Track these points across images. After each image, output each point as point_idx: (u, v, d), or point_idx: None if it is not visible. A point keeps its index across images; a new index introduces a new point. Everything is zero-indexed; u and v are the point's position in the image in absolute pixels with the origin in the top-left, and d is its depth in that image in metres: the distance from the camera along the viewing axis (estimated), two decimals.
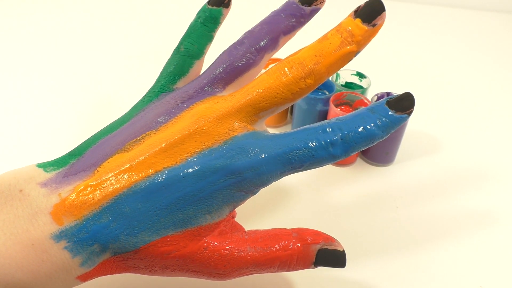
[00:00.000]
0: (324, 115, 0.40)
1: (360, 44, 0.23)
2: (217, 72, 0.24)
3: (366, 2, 0.23)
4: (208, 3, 0.28)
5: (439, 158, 0.42)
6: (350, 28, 0.23)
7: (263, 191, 0.37)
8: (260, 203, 0.36)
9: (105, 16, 0.65)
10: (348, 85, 0.44)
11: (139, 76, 0.52)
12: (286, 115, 0.45)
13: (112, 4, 0.68)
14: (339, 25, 0.23)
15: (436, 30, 0.66)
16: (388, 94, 0.40)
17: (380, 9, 0.23)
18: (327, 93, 0.41)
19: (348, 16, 0.23)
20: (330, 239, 0.23)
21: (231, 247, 0.22)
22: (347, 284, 0.31)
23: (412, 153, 0.42)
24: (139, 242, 0.21)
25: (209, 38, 0.27)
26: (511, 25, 0.68)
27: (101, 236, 0.20)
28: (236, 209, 0.26)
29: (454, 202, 0.37)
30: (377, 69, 0.53)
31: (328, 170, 0.40)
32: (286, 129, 0.45)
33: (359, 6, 0.23)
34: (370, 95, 0.46)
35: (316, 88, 0.42)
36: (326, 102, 0.39)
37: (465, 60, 0.59)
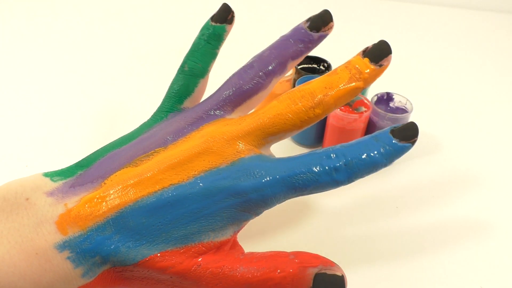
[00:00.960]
0: None
1: (367, 81, 0.24)
2: (227, 94, 0.25)
3: (375, 44, 0.24)
4: (212, 19, 0.28)
5: (439, 158, 0.42)
6: (358, 66, 0.24)
7: None
8: None
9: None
10: None
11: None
12: None
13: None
14: (348, 62, 0.24)
15: (436, 30, 0.66)
16: (388, 94, 0.40)
17: (388, 51, 0.24)
18: None
19: (357, 54, 0.24)
20: (329, 263, 0.22)
21: (224, 266, 0.22)
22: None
23: (412, 153, 0.42)
24: (139, 256, 0.21)
25: (213, 56, 0.28)
26: (511, 25, 0.68)
27: (103, 248, 0.20)
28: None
29: (454, 202, 0.37)
30: None
31: None
32: None
33: (367, 47, 0.24)
34: (370, 95, 0.46)
35: None
36: None
37: (465, 60, 0.59)
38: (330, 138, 0.39)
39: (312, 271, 0.22)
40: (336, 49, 0.59)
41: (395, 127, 0.23)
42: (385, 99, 0.40)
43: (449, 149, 0.43)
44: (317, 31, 0.26)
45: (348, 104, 0.40)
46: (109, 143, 0.25)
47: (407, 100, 0.39)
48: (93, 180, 0.22)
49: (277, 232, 0.34)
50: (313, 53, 0.45)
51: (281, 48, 0.26)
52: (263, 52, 0.26)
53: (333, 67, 0.44)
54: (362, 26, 0.66)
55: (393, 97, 0.40)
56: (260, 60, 0.26)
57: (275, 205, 0.23)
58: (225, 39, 0.28)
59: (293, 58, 0.26)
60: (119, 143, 0.24)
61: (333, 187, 0.22)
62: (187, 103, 0.27)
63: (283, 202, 0.36)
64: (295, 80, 0.43)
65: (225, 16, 0.28)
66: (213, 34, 0.28)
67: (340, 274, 0.22)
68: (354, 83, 0.24)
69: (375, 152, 0.22)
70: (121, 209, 0.21)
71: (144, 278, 0.22)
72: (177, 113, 0.26)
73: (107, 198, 0.21)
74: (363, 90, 0.24)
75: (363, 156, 0.22)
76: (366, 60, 0.24)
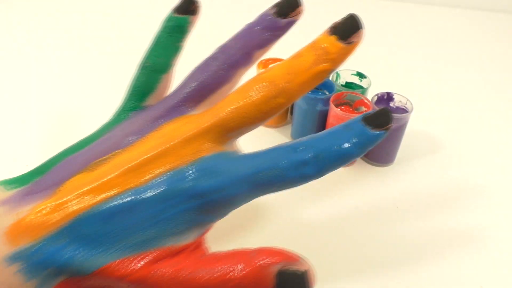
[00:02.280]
0: (324, 115, 0.40)
1: (335, 62, 0.22)
2: (188, 90, 0.23)
3: (343, 19, 0.22)
4: (174, 10, 0.26)
5: (439, 158, 0.42)
6: (325, 45, 0.22)
7: None
8: (257, 201, 0.36)
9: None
10: (348, 85, 0.44)
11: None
12: (286, 115, 0.45)
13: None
14: (314, 41, 0.22)
15: (436, 30, 0.66)
16: (388, 94, 0.40)
17: (357, 26, 0.22)
18: (327, 93, 0.41)
19: (324, 32, 0.22)
20: (293, 258, 0.20)
21: (182, 269, 0.21)
22: (347, 284, 0.31)
23: (412, 153, 0.42)
24: (95, 265, 0.20)
25: (177, 49, 0.26)
26: (511, 25, 0.68)
27: (57, 259, 0.19)
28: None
29: (454, 202, 0.37)
30: (377, 69, 0.53)
31: None
32: (286, 128, 0.45)
33: (335, 22, 0.22)
34: (370, 95, 0.46)
35: (316, 88, 0.42)
36: (326, 102, 0.39)
37: (465, 60, 0.59)
38: None
39: (274, 269, 0.20)
40: None
41: (367, 114, 0.21)
42: (385, 99, 0.40)
43: (449, 149, 0.43)
44: (285, 17, 0.24)
45: (348, 104, 0.40)
46: (68, 147, 0.23)
47: (407, 100, 0.39)
48: (48, 187, 0.21)
49: (272, 230, 0.34)
50: None
51: (246, 37, 0.24)
52: (227, 42, 0.24)
53: None
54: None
55: (393, 97, 0.40)
56: (223, 51, 0.24)
57: (241, 204, 0.22)
58: (190, 31, 0.26)
59: (260, 47, 0.24)
60: (78, 147, 0.23)
61: (303, 182, 0.21)
62: (149, 100, 0.25)
63: (282, 202, 0.36)
64: None
65: (188, 6, 0.26)
66: (176, 26, 0.26)
67: (303, 270, 0.20)
68: (320, 65, 0.21)
69: (346, 143, 0.20)
70: (76, 216, 0.20)
71: (103, 287, 0.21)
72: (139, 112, 0.24)
73: (61, 206, 0.20)
74: (332, 71, 0.22)
75: (334, 148, 0.20)
76: (334, 37, 0.21)
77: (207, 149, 0.22)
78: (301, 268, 0.20)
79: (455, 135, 0.45)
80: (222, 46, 0.24)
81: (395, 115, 0.37)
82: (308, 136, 0.21)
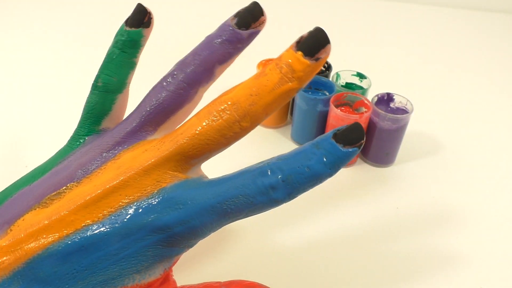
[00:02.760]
0: (324, 116, 0.40)
1: (302, 80, 0.20)
2: (146, 113, 0.22)
3: (309, 33, 0.20)
4: (126, 23, 0.24)
5: (439, 158, 0.42)
6: (290, 62, 0.20)
7: None
8: None
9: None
10: (349, 86, 0.44)
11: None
12: (286, 115, 0.45)
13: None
14: (279, 58, 0.20)
15: (436, 30, 0.66)
16: (388, 94, 0.40)
17: (324, 41, 0.20)
18: (327, 93, 0.41)
19: (289, 48, 0.20)
20: None
21: None
22: (346, 285, 0.31)
23: (412, 154, 0.42)
24: None
25: (131, 66, 0.24)
26: (511, 25, 0.69)
27: None
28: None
29: (454, 202, 0.38)
30: (378, 69, 0.53)
31: None
32: (286, 129, 0.45)
33: (301, 37, 0.20)
34: (371, 95, 0.46)
35: (317, 89, 0.42)
36: (326, 102, 0.39)
37: (465, 60, 0.59)
38: None
39: None
40: (336, 49, 0.59)
41: (338, 130, 0.20)
42: (385, 99, 0.40)
43: (449, 150, 0.43)
44: (247, 28, 0.22)
45: (349, 105, 0.40)
46: (19, 179, 0.22)
47: (408, 100, 0.39)
48: None
49: (270, 230, 0.34)
50: None
51: (205, 52, 0.22)
52: (186, 58, 0.22)
53: (334, 67, 0.44)
54: (362, 26, 0.66)
55: (394, 97, 0.40)
56: (182, 68, 0.22)
57: (209, 234, 0.20)
58: (143, 45, 0.24)
59: (221, 62, 0.22)
60: (30, 178, 0.22)
61: (272, 207, 0.20)
62: (106, 123, 0.24)
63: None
64: None
65: (140, 18, 0.24)
66: (128, 41, 0.24)
67: None
68: (286, 85, 0.20)
69: (317, 162, 0.19)
70: (29, 258, 0.19)
71: None
72: (95, 137, 0.23)
73: (13, 248, 0.19)
74: (299, 90, 0.20)
75: (304, 169, 0.19)
76: (300, 54, 0.20)
77: (169, 179, 0.20)
78: None
79: (455, 135, 0.45)
80: (181, 62, 0.22)
81: (395, 115, 0.37)
82: (277, 157, 0.20)
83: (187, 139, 0.20)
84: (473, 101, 0.51)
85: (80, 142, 0.23)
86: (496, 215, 0.37)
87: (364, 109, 0.39)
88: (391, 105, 0.40)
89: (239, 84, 0.21)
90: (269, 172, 0.19)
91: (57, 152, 0.23)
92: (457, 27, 0.67)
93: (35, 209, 0.20)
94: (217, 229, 0.20)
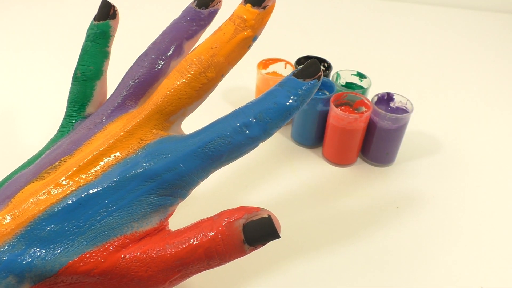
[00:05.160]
0: (324, 116, 0.40)
1: (255, 28, 0.23)
2: (126, 89, 0.24)
3: None
4: (94, 19, 0.27)
5: (439, 158, 0.42)
6: (241, 14, 0.23)
7: (263, 190, 0.37)
8: (258, 202, 0.36)
9: None
10: (349, 85, 0.44)
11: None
12: None
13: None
14: (232, 14, 0.24)
15: (436, 30, 0.66)
16: (388, 94, 0.40)
17: None
18: (327, 93, 0.41)
19: (240, 4, 0.24)
20: (254, 209, 0.22)
21: (149, 250, 0.21)
22: (346, 284, 0.31)
23: (412, 153, 0.42)
24: (56, 266, 0.20)
25: (105, 55, 0.27)
26: (511, 25, 0.69)
27: (15, 266, 0.19)
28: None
29: (454, 202, 0.38)
30: (378, 69, 0.53)
31: (328, 170, 0.40)
32: (286, 129, 0.45)
33: None
34: (371, 95, 0.46)
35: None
36: (326, 102, 0.39)
37: (465, 60, 0.59)
38: (330, 138, 0.39)
39: (239, 223, 0.21)
40: (336, 49, 0.59)
41: (296, 70, 0.23)
42: (385, 99, 0.40)
43: (449, 150, 0.43)
44: (206, 8, 0.25)
45: (349, 105, 0.40)
46: (16, 168, 0.24)
47: (408, 100, 0.39)
48: (0, 202, 0.21)
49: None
50: (313, 53, 0.45)
51: (173, 31, 0.25)
52: (156, 39, 0.26)
53: (334, 67, 0.44)
54: (362, 26, 0.66)
55: (394, 97, 0.40)
56: (154, 47, 0.25)
57: (198, 182, 0.22)
58: (113, 35, 0.27)
59: (188, 38, 0.25)
60: (27, 164, 0.24)
61: (251, 145, 0.22)
62: (90, 109, 0.26)
63: (282, 202, 0.36)
64: None
65: (106, 12, 0.27)
66: (98, 33, 0.27)
67: (267, 215, 0.21)
68: (241, 33, 0.23)
69: (282, 97, 0.22)
70: (30, 222, 0.20)
71: (73, 286, 0.21)
72: (82, 121, 0.25)
73: (14, 215, 0.20)
74: (254, 37, 0.23)
75: (272, 105, 0.22)
76: (248, 6, 0.23)
77: (152, 136, 0.23)
78: (264, 214, 0.21)
79: (455, 135, 0.45)
80: (153, 42, 0.25)
81: (395, 115, 0.37)
82: (247, 102, 0.23)
83: (162, 98, 0.23)
84: (473, 101, 0.51)
85: (69, 128, 0.25)
86: (496, 215, 0.37)
87: (364, 109, 0.39)
88: (391, 104, 0.40)
89: (200, 43, 0.24)
90: (241, 114, 0.22)
91: (49, 141, 0.25)
92: (457, 27, 0.67)
93: (33, 182, 0.22)
94: (205, 176, 0.22)
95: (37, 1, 0.67)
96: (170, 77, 0.23)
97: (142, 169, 0.21)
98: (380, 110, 0.37)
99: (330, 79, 0.43)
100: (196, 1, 0.26)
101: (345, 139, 0.38)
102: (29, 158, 0.24)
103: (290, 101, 0.22)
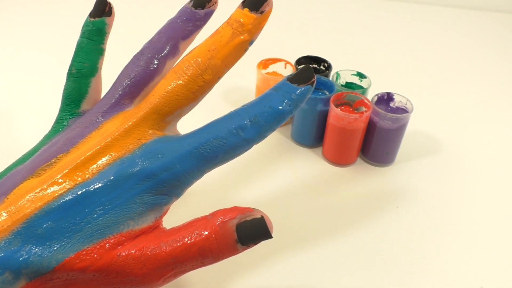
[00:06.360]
0: (324, 116, 0.40)
1: (252, 32, 0.24)
2: (122, 88, 0.24)
3: None
4: (90, 16, 0.27)
5: (439, 158, 0.42)
6: (239, 18, 0.24)
7: (263, 189, 0.37)
8: (258, 202, 0.36)
9: None
10: (349, 85, 0.44)
11: None
12: None
13: None
14: (229, 17, 0.24)
15: (436, 30, 0.66)
16: (388, 94, 0.40)
17: None
18: (327, 93, 0.41)
19: (237, 8, 0.24)
20: (247, 210, 0.22)
21: (144, 248, 0.21)
22: (346, 284, 0.31)
23: (412, 153, 0.42)
24: (53, 262, 0.20)
25: (100, 52, 0.27)
26: (511, 25, 0.69)
27: (11, 262, 0.19)
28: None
29: (454, 201, 0.38)
30: (378, 69, 0.53)
31: (328, 170, 0.40)
32: (286, 128, 0.45)
33: None
34: (371, 95, 0.46)
35: (317, 88, 0.42)
36: (326, 102, 0.39)
37: (465, 60, 0.59)
38: (330, 138, 0.39)
39: (233, 223, 0.21)
40: (336, 49, 0.59)
41: (290, 75, 0.23)
42: (385, 99, 0.40)
43: (449, 150, 0.43)
44: (202, 8, 0.25)
45: (349, 104, 0.40)
46: (11, 164, 0.24)
47: (407, 100, 0.39)
48: None
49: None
50: (313, 53, 0.45)
51: (169, 30, 0.25)
52: (152, 38, 0.26)
53: (334, 67, 0.44)
54: (362, 26, 0.66)
55: (394, 97, 0.40)
56: (150, 46, 0.25)
57: (193, 181, 0.23)
58: (108, 32, 0.27)
59: (184, 38, 0.25)
60: (22, 160, 0.24)
61: (245, 147, 0.22)
62: (85, 106, 0.26)
63: (282, 202, 0.36)
64: None
65: (102, 9, 0.27)
66: (94, 30, 0.26)
67: (260, 216, 0.22)
68: (238, 38, 0.23)
69: (277, 101, 0.22)
70: (27, 219, 0.20)
71: (68, 283, 0.21)
72: (77, 118, 0.25)
73: (11, 212, 0.20)
74: (250, 42, 0.24)
75: (266, 109, 0.22)
76: (246, 10, 0.24)
77: (149, 136, 0.23)
78: (257, 215, 0.22)
79: (455, 135, 0.45)
80: (149, 41, 0.25)
81: (395, 115, 0.37)
82: (242, 105, 0.23)
83: (159, 98, 0.23)
84: (473, 101, 0.51)
85: (64, 125, 0.25)
86: (496, 215, 0.37)
87: (364, 109, 0.39)
88: (391, 104, 0.40)
89: (197, 46, 0.24)
90: (236, 116, 0.22)
91: (43, 137, 0.25)
92: (457, 27, 0.67)
93: (29, 179, 0.22)
94: (200, 176, 0.23)
95: None
96: (167, 78, 0.24)
97: (138, 168, 0.22)
98: (380, 110, 0.37)
99: (330, 79, 0.43)
100: (192, 2, 0.26)
101: (345, 139, 0.38)
102: (23, 154, 0.24)
103: (284, 105, 0.22)
